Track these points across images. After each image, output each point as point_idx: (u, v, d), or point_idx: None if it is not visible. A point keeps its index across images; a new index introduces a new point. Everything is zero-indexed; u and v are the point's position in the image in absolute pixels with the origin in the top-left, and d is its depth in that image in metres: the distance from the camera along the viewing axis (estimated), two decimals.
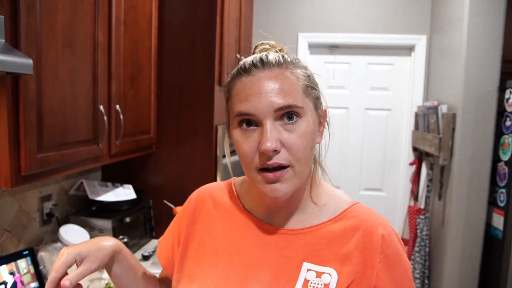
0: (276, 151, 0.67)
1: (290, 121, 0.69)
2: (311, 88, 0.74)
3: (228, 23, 2.22)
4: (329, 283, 0.70)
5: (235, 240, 0.79)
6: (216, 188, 0.88)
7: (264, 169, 0.69)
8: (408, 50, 3.21)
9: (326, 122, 0.79)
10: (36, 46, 1.18)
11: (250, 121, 0.70)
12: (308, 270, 0.72)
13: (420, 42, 3.11)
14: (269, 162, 0.68)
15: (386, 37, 3.15)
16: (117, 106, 1.68)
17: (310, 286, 0.71)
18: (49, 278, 0.72)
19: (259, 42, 0.80)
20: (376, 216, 0.77)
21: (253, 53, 0.79)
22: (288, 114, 0.69)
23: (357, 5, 3.18)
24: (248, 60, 0.73)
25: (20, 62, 1.01)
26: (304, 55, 3.21)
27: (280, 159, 0.68)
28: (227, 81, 0.78)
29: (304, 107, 0.70)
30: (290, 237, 0.76)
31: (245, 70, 0.72)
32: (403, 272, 0.74)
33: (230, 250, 0.78)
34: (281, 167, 0.69)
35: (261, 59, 0.72)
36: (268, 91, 0.68)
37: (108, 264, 0.83)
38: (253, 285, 0.73)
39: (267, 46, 0.78)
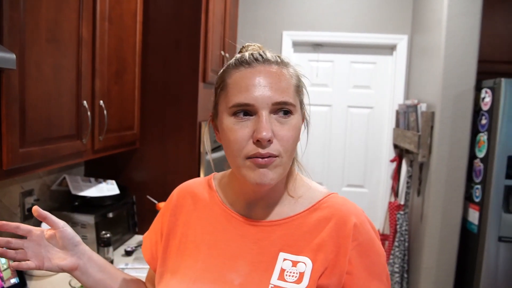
0: (270, 141, 0.71)
1: (284, 115, 0.73)
2: (301, 89, 0.79)
3: (213, 20, 2.24)
4: (304, 271, 0.73)
5: (214, 234, 0.81)
6: (196, 184, 0.91)
7: (253, 157, 0.72)
8: (390, 49, 3.27)
9: (306, 121, 0.83)
10: (19, 41, 1.18)
11: (245, 111, 0.72)
12: (284, 259, 0.75)
13: (402, 41, 3.18)
14: (262, 152, 0.70)
15: (369, 36, 3.20)
16: (101, 102, 1.68)
17: (286, 274, 0.74)
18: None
19: (247, 44, 0.83)
20: (349, 205, 0.80)
21: (240, 52, 0.81)
22: (283, 109, 0.73)
23: (341, 4, 3.22)
24: (246, 54, 0.76)
25: (3, 56, 1.01)
26: (288, 53, 3.25)
27: (271, 149, 0.71)
28: (221, 71, 0.80)
29: (296, 105, 0.75)
30: (267, 228, 0.79)
31: (245, 62, 0.75)
32: (376, 258, 0.77)
33: (210, 244, 0.81)
34: (271, 157, 0.72)
35: (260, 55, 0.76)
36: (268, 84, 0.72)
37: (87, 269, 0.84)
38: (232, 276, 0.76)
39: (256, 47, 0.81)
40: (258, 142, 0.70)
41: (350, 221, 0.76)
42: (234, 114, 0.73)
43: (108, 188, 2.02)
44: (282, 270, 0.74)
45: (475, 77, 2.48)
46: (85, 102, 1.55)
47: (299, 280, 0.73)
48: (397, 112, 3.18)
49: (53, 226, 0.82)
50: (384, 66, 3.30)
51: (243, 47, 0.83)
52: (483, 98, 2.44)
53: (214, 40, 2.30)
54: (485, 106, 2.42)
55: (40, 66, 1.29)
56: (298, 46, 3.32)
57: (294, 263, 0.74)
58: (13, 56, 1.04)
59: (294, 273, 0.74)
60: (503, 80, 2.27)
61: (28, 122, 1.25)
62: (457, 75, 2.49)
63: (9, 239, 0.78)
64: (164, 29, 2.11)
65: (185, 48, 2.11)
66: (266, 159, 0.71)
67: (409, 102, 2.91)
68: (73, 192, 1.88)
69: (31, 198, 1.80)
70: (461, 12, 2.46)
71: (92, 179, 2.06)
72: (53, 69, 1.36)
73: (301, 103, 0.79)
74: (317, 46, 3.31)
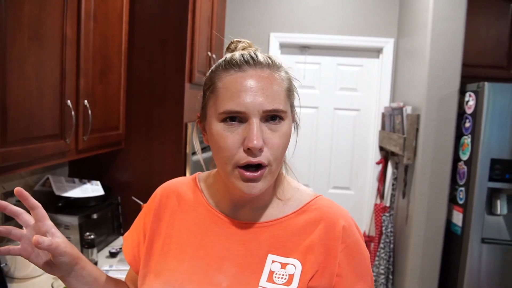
0: (261, 150, 0.69)
1: (275, 122, 0.72)
2: (292, 92, 0.77)
3: (200, 20, 2.23)
4: (293, 274, 0.73)
5: (199, 235, 0.80)
6: (180, 183, 0.89)
7: (242, 167, 0.71)
8: (376, 52, 3.30)
9: (295, 124, 0.81)
10: (0, 38, 1.16)
11: (235, 117, 0.71)
12: (273, 261, 0.74)
13: (388, 44, 3.21)
14: (253, 160, 0.69)
15: (355, 39, 3.23)
16: (85, 101, 1.66)
17: (275, 277, 0.73)
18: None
19: (236, 39, 0.80)
20: (337, 208, 0.80)
21: (228, 48, 0.80)
22: (274, 116, 0.71)
23: (328, 7, 3.24)
24: (236, 55, 0.73)
25: None
26: (275, 55, 3.25)
27: (262, 157, 0.70)
28: (210, 72, 0.77)
29: (287, 111, 0.73)
30: (254, 230, 0.78)
31: (236, 65, 0.72)
32: (363, 260, 0.78)
33: (195, 245, 0.79)
34: (261, 166, 0.71)
35: (251, 57, 0.73)
36: (259, 90, 0.70)
37: (77, 274, 0.80)
38: (218, 278, 0.74)
39: (245, 44, 0.79)
40: (249, 150, 0.69)
41: (339, 223, 0.76)
42: (224, 120, 0.71)
43: (93, 189, 2.00)
44: (271, 272, 0.73)
45: (459, 81, 2.52)
46: (69, 101, 1.53)
47: (288, 282, 0.72)
48: (383, 115, 3.21)
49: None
50: (370, 69, 3.32)
51: (231, 42, 0.80)
52: (467, 102, 2.47)
53: (201, 40, 2.29)
54: (469, 110, 2.45)
55: (23, 64, 1.27)
56: (286, 48, 3.33)
57: (283, 265, 0.74)
58: None
59: (283, 275, 0.73)
60: (486, 84, 2.31)
61: (9, 121, 1.23)
62: (441, 78, 2.52)
63: (9, 227, 0.75)
64: (150, 28, 2.10)
65: (171, 48, 2.10)
66: (255, 173, 0.70)
67: (394, 104, 2.93)
68: (57, 193, 1.85)
69: (13, 199, 1.76)
70: (446, 16, 2.50)
71: (76, 180, 2.03)
72: (36, 67, 1.34)
73: (292, 106, 0.77)
74: (304, 48, 3.33)
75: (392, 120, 2.94)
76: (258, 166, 0.71)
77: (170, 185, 0.89)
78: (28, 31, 1.28)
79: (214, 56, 2.56)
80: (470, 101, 2.44)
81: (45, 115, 1.42)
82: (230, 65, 0.73)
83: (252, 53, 0.74)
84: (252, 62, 0.72)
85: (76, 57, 1.59)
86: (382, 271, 2.94)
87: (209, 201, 0.84)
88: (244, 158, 0.70)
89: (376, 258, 3.00)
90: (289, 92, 0.76)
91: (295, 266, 0.73)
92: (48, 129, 1.44)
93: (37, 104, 1.37)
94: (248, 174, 0.70)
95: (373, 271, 2.98)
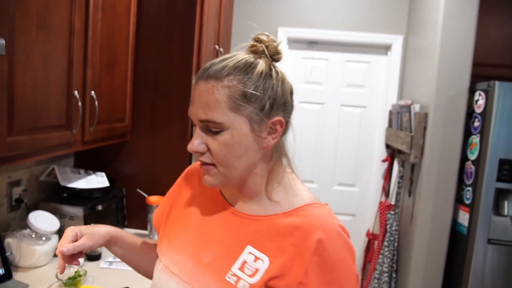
0: (201, 153, 0.80)
1: (213, 131, 0.78)
2: (245, 103, 0.76)
3: (208, 14, 2.22)
4: (259, 269, 0.77)
5: (204, 215, 0.91)
6: None
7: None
8: (384, 49, 3.27)
9: (284, 128, 0.82)
10: (8, 27, 1.15)
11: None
12: (249, 253, 0.80)
13: (397, 42, 3.18)
14: (199, 158, 0.81)
15: (364, 36, 3.20)
16: (92, 92, 1.65)
17: (246, 267, 0.79)
18: (58, 253, 0.87)
19: (256, 35, 0.82)
20: (323, 219, 0.79)
21: (254, 41, 0.82)
22: (208, 126, 0.78)
23: (337, 2, 3.21)
24: (202, 69, 0.81)
25: None
26: (282, 50, 3.22)
27: (204, 158, 0.80)
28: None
29: (224, 122, 0.76)
30: (244, 220, 0.84)
31: (198, 76, 0.80)
32: (340, 277, 0.75)
33: (197, 222, 0.90)
34: (206, 163, 0.81)
35: (205, 70, 0.79)
36: (198, 103, 0.78)
37: (111, 247, 1.00)
38: (203, 254, 0.84)
39: (256, 44, 0.82)
40: None
41: (315, 234, 0.75)
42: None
43: (98, 180, 2.00)
44: (244, 262, 0.79)
45: (469, 80, 2.49)
46: (76, 92, 1.52)
47: (252, 275, 0.77)
48: (390, 112, 3.19)
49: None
50: (378, 65, 3.29)
51: (257, 37, 0.82)
52: (477, 101, 2.45)
53: (208, 34, 2.28)
54: (478, 109, 2.43)
55: (30, 54, 1.26)
56: (293, 43, 3.30)
57: (256, 259, 0.79)
58: (2, 41, 1.01)
59: (252, 267, 0.78)
60: (497, 83, 2.28)
61: (16, 110, 1.22)
62: (451, 77, 2.50)
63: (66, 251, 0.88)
64: (157, 21, 2.09)
65: (178, 41, 2.09)
66: (204, 166, 0.81)
67: (402, 102, 2.91)
68: (62, 183, 1.85)
69: (18, 189, 1.77)
70: (457, 14, 2.47)
71: (82, 171, 2.03)
72: (43, 57, 1.33)
73: (251, 117, 0.76)
74: (312, 44, 3.30)
75: (399, 118, 2.92)
76: (205, 163, 0.81)
77: (196, 165, 1.00)
78: (36, 21, 1.27)
79: (221, 50, 2.55)
80: (480, 100, 2.41)
81: (52, 106, 1.41)
82: (196, 76, 0.82)
83: (211, 64, 0.79)
84: (203, 76, 0.78)
85: (83, 48, 1.58)
86: (385, 269, 2.93)
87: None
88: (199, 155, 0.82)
89: (380, 256, 2.99)
90: (237, 105, 0.76)
91: (263, 262, 0.78)
92: (54, 120, 1.43)
93: (44, 94, 1.36)
94: (202, 166, 0.82)
95: (376, 269, 2.98)
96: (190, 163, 2.15)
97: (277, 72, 0.81)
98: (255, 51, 0.81)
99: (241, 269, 0.78)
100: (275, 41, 0.83)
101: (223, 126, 0.76)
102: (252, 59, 0.79)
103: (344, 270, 0.76)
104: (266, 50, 0.81)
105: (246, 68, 0.77)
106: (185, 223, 0.91)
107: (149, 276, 1.02)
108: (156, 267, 0.92)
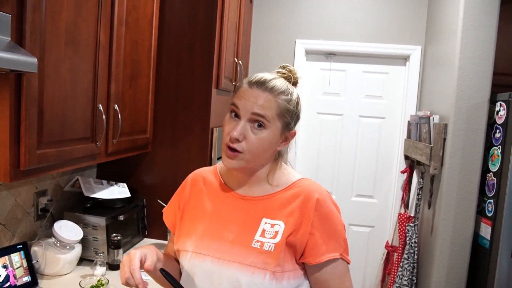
0: (238, 140, 0.98)
1: (257, 127, 0.99)
2: (285, 115, 1.02)
3: (227, 26, 2.26)
4: (278, 231, 1.00)
5: (216, 205, 1.10)
6: (206, 171, 1.21)
7: (228, 146, 1.00)
8: (403, 59, 3.26)
9: (292, 138, 1.09)
10: (40, 44, 1.20)
11: (236, 114, 1.01)
12: (266, 223, 1.02)
13: (415, 52, 3.17)
14: (231, 145, 0.99)
15: (382, 46, 3.20)
16: (116, 106, 1.70)
17: (266, 233, 1.01)
18: (136, 280, 0.90)
19: (282, 65, 1.09)
20: (315, 186, 1.07)
21: (281, 68, 1.08)
22: (258, 121, 0.99)
23: (354, 14, 3.23)
24: (258, 76, 1.02)
25: (25, 60, 1.03)
26: (300, 61, 3.25)
27: (238, 146, 0.99)
28: (238, 84, 1.10)
29: (270, 122, 1.00)
30: (254, 201, 1.07)
31: (250, 84, 1.02)
32: (334, 225, 1.03)
33: (212, 212, 1.09)
34: (236, 150, 0.99)
35: (260, 81, 1.01)
36: (254, 101, 0.99)
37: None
38: (226, 234, 1.03)
39: (285, 72, 1.07)
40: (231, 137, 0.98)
41: (314, 196, 1.03)
42: (231, 112, 1.02)
43: (120, 191, 2.04)
44: (263, 230, 1.01)
45: (489, 90, 2.46)
46: (100, 105, 1.57)
47: (274, 237, 0.99)
48: (409, 123, 3.16)
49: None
50: (396, 76, 3.28)
51: (285, 65, 1.09)
52: (498, 111, 2.41)
53: (228, 47, 2.31)
54: (500, 120, 2.39)
55: (59, 69, 1.32)
56: (311, 54, 3.32)
57: (272, 225, 1.02)
58: (35, 60, 1.06)
59: (272, 231, 1.01)
60: None
61: (45, 124, 1.27)
62: (471, 87, 2.47)
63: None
64: (179, 34, 2.14)
65: (199, 54, 2.13)
66: (231, 153, 0.99)
67: (421, 113, 2.89)
68: (86, 193, 1.90)
69: (44, 198, 1.82)
70: (476, 24, 2.45)
71: (104, 182, 2.08)
72: (71, 72, 1.39)
73: (284, 125, 1.02)
74: (330, 55, 3.32)
75: (418, 129, 2.90)
76: (233, 150, 0.99)
77: (198, 171, 1.22)
78: (64, 37, 1.33)
79: (240, 62, 2.59)
80: (501, 111, 2.38)
81: (78, 119, 1.46)
82: (249, 82, 1.02)
83: (267, 78, 1.02)
84: (259, 84, 1.01)
85: (108, 62, 1.63)
86: (405, 282, 2.88)
87: (224, 181, 1.13)
88: (229, 140, 0.99)
89: (400, 269, 2.95)
90: (281, 114, 1.01)
91: (280, 226, 1.01)
92: (80, 132, 1.48)
93: (71, 107, 1.41)
94: (228, 151, 1.00)
95: (396, 282, 2.94)
96: None
97: (297, 95, 1.07)
98: (284, 78, 1.06)
99: (263, 235, 1.00)
100: (296, 73, 1.08)
101: (267, 124, 0.99)
102: (290, 86, 1.04)
103: (335, 220, 1.04)
104: (292, 79, 1.06)
105: (288, 93, 1.03)
106: (201, 216, 1.09)
107: None
108: (184, 259, 1.05)
